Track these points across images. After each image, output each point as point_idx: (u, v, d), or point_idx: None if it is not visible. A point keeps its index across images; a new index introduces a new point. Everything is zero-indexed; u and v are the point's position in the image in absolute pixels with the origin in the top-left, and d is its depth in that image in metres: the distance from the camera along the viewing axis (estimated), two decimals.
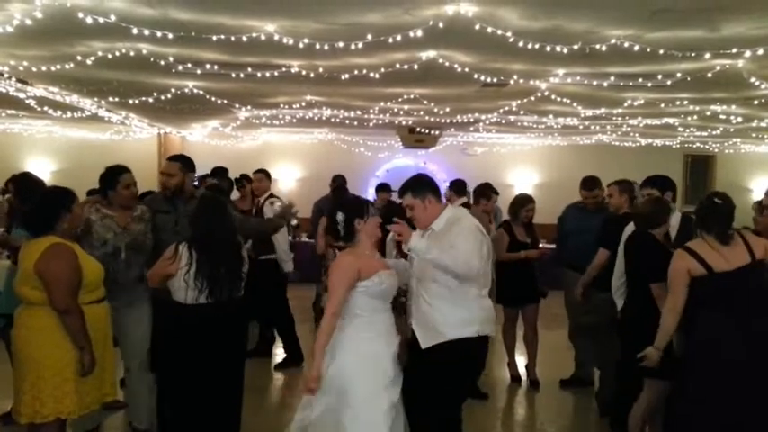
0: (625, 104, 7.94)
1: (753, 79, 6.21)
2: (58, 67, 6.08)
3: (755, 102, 7.47)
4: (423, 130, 11.17)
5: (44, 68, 6.20)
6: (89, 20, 4.48)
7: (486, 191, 5.79)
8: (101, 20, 4.48)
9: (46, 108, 8.73)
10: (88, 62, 5.84)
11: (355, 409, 2.84)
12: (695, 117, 8.97)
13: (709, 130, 10.64)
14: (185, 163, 4.15)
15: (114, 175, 3.82)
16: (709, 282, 3.24)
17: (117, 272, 3.69)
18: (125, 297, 3.72)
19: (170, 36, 4.85)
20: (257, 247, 5.47)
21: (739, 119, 9.03)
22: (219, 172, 6.68)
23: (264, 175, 6.17)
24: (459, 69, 5.96)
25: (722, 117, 8.88)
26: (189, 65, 6.11)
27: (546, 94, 7.23)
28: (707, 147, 13.15)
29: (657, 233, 3.77)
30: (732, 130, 10.29)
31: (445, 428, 3.14)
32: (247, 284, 4.08)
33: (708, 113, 8.57)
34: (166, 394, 3.40)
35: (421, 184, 3.22)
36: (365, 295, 2.95)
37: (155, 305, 3.81)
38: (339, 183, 7.39)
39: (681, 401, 3.35)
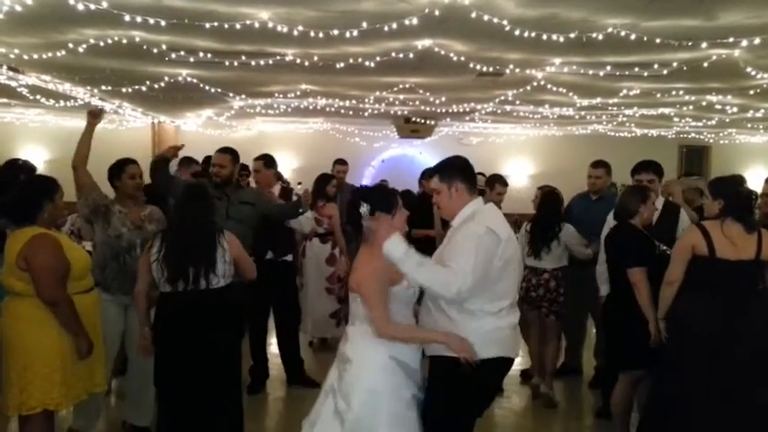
0: (621, 94, 7.92)
1: (749, 69, 6.20)
2: (50, 54, 6.01)
3: (751, 92, 7.47)
4: (418, 120, 11.14)
5: (35, 56, 6.13)
6: (80, 6, 4.43)
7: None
8: (92, 6, 4.43)
9: (38, 96, 8.66)
10: (80, 50, 5.78)
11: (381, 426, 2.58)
12: (691, 107, 8.96)
13: (704, 121, 10.65)
14: (234, 155, 4.51)
15: (120, 166, 3.93)
16: (707, 264, 3.26)
17: (127, 266, 3.72)
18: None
19: (163, 23, 4.80)
20: (279, 247, 4.96)
21: (735, 109, 9.03)
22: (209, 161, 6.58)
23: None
24: (455, 58, 5.93)
25: (717, 107, 8.88)
26: (182, 53, 6.06)
27: (542, 83, 7.21)
28: (702, 137, 13.17)
29: (636, 222, 3.78)
30: (727, 120, 10.30)
31: None
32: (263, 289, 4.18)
33: (703, 103, 8.57)
34: (158, 388, 3.36)
35: (451, 168, 2.84)
36: (394, 302, 2.65)
37: None
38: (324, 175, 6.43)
39: (660, 386, 3.39)
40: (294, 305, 5.23)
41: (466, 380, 2.60)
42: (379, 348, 2.62)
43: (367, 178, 12.99)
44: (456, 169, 2.83)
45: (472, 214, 2.78)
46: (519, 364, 5.65)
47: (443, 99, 8.72)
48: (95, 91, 8.45)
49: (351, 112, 10.18)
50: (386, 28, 4.80)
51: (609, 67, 6.36)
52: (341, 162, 7.06)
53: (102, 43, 5.57)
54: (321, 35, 5.03)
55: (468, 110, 9.70)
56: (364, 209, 2.66)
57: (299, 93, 8.35)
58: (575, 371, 5.38)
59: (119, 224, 3.79)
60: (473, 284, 2.57)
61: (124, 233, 3.79)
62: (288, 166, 13.06)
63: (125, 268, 3.70)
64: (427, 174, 2.95)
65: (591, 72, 6.58)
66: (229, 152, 4.52)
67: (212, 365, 3.23)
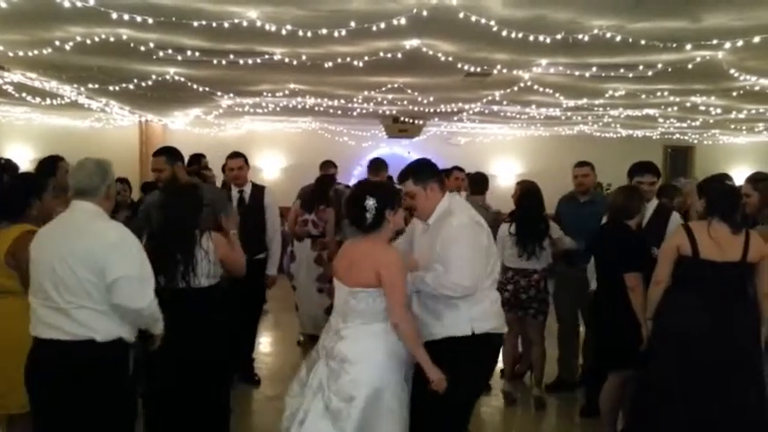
0: (606, 95, 7.99)
1: (732, 71, 6.27)
2: (36, 52, 5.96)
3: (734, 93, 7.56)
4: (407, 120, 11.16)
5: (21, 53, 6.07)
6: (67, 3, 4.39)
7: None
8: (79, 3, 4.39)
9: (24, 94, 8.56)
10: (67, 47, 5.73)
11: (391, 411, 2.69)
12: (675, 108, 9.06)
13: (688, 122, 10.76)
14: (170, 154, 4.18)
15: (53, 162, 3.84)
16: (691, 264, 3.27)
17: None
18: None
19: (150, 21, 4.77)
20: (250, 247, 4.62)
21: (718, 110, 9.14)
22: (197, 159, 6.56)
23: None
24: (443, 58, 5.95)
25: (702, 108, 8.98)
26: (170, 51, 6.03)
27: (529, 84, 7.25)
28: (686, 138, 13.31)
29: (632, 223, 3.78)
30: (711, 121, 10.42)
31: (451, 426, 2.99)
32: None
33: (687, 105, 8.66)
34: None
35: (423, 170, 2.98)
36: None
37: None
38: (327, 171, 6.87)
39: (648, 386, 3.42)
40: (260, 304, 5.21)
41: (490, 354, 3.03)
42: (378, 347, 2.69)
43: (356, 178, 13.00)
44: (428, 171, 2.99)
45: (448, 209, 2.94)
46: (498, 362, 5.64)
47: (431, 99, 8.75)
48: (82, 89, 8.37)
49: (339, 112, 10.18)
50: (374, 28, 4.81)
51: (595, 69, 6.41)
52: (334, 165, 7.21)
53: (88, 41, 5.52)
54: (309, 34, 5.03)
55: (455, 110, 9.73)
56: (370, 203, 2.69)
57: (287, 92, 8.33)
58: (570, 384, 5.14)
59: None
60: (477, 278, 2.82)
61: None
62: (277, 165, 13.04)
63: None
64: (399, 178, 3.06)
65: (577, 73, 6.63)
66: (163, 153, 4.18)
67: (184, 365, 3.22)
